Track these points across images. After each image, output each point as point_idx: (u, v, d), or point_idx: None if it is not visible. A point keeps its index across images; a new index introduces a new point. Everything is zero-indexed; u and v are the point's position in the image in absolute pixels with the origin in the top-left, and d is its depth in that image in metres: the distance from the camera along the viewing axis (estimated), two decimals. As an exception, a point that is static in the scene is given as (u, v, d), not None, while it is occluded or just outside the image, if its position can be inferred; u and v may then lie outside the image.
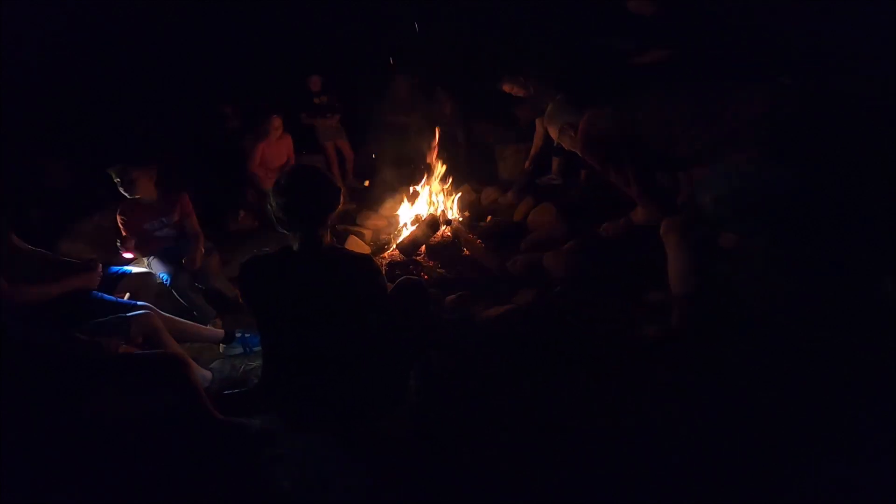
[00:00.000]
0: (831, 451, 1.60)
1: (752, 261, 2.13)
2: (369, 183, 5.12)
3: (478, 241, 3.52)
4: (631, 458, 1.69)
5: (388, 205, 4.48)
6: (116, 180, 2.85)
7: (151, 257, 2.99)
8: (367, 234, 4.11)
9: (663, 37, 2.98)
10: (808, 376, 1.86)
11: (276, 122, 4.39)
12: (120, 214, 2.94)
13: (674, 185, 2.89)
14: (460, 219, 3.90)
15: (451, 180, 4.20)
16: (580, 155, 3.27)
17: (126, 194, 2.88)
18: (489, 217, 3.89)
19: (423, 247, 3.42)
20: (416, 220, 3.75)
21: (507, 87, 4.41)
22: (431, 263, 3.29)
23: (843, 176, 1.93)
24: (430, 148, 4.21)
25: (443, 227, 3.55)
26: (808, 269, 2.03)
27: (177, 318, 2.54)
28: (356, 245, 3.74)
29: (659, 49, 3.01)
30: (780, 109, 2.05)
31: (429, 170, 4.09)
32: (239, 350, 2.68)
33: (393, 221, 4.15)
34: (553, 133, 3.35)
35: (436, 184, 4.06)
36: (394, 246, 3.52)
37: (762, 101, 2.18)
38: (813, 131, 1.97)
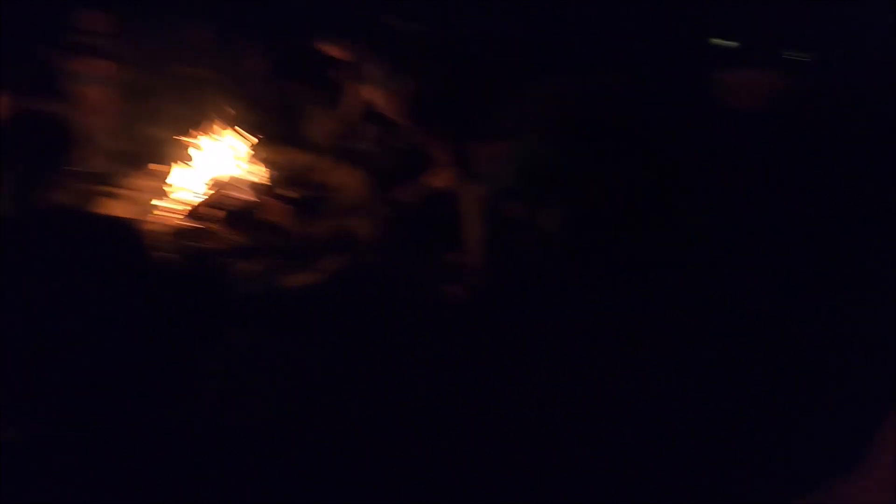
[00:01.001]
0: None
1: (540, 229, 2.41)
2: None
3: (280, 205, 3.29)
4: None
5: (162, 163, 3.79)
6: None
7: None
8: (132, 196, 3.46)
9: None
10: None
11: None
12: None
13: (475, 155, 3.11)
14: (261, 181, 3.59)
15: (253, 141, 3.80)
16: (397, 120, 3.30)
17: None
18: (301, 187, 3.66)
19: (218, 211, 3.08)
20: (208, 181, 3.33)
21: (324, 49, 4.13)
22: (225, 229, 2.96)
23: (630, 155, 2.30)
24: (222, 104, 3.75)
25: (241, 190, 3.24)
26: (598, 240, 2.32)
27: None
28: (114, 209, 3.10)
29: None
30: (570, 97, 2.42)
31: (219, 128, 3.64)
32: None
33: (169, 183, 3.58)
34: (372, 97, 3.30)
35: (233, 143, 3.64)
36: (169, 209, 3.07)
37: (557, 89, 2.51)
38: (596, 115, 2.34)
